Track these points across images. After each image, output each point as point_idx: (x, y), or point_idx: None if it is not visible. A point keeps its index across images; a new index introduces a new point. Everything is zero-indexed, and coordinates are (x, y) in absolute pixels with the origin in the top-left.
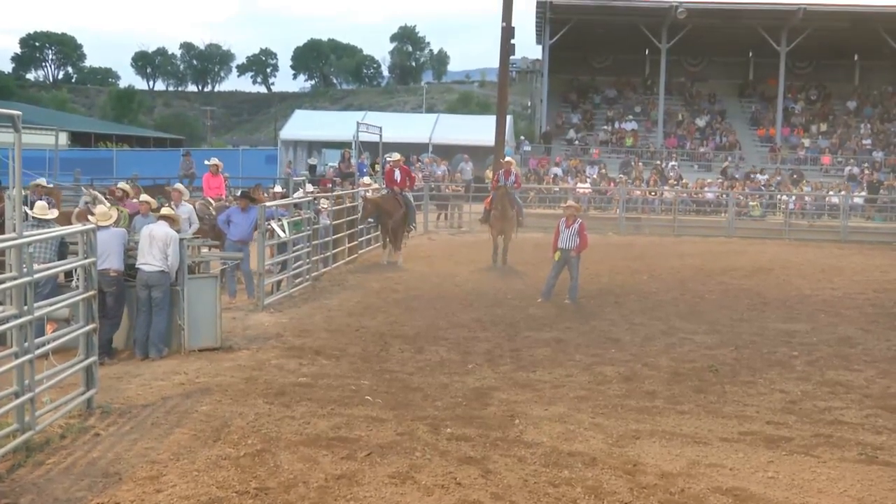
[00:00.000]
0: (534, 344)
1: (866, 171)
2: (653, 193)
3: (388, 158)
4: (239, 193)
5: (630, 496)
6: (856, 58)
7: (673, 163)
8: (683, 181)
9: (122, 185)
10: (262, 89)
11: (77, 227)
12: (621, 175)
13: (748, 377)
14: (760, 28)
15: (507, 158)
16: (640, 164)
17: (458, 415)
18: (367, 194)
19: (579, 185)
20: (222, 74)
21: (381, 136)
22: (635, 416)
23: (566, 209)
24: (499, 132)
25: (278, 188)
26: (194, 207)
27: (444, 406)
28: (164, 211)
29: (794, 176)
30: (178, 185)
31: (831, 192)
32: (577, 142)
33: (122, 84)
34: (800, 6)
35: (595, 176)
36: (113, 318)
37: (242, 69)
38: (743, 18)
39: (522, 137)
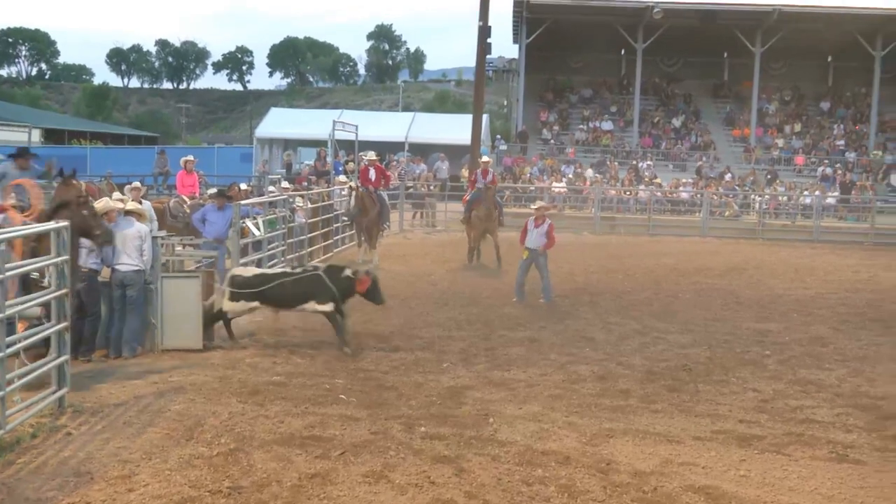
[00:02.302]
0: (508, 343)
1: (839, 172)
2: (628, 193)
3: (363, 157)
4: (215, 191)
5: (603, 494)
6: (829, 59)
7: (648, 162)
8: (658, 181)
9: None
10: (238, 87)
11: (51, 224)
12: (597, 174)
13: (721, 376)
14: (735, 29)
15: (485, 158)
16: (616, 163)
17: (432, 414)
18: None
19: (555, 184)
20: (198, 72)
21: (357, 134)
22: (609, 415)
23: (537, 210)
24: (475, 131)
25: (244, 185)
26: (168, 206)
27: (418, 405)
28: (130, 205)
29: (769, 176)
30: (136, 183)
31: (805, 193)
32: (552, 141)
33: (97, 81)
34: (774, 7)
35: (570, 175)
36: (92, 314)
37: (218, 66)
38: (718, 19)
39: (499, 136)
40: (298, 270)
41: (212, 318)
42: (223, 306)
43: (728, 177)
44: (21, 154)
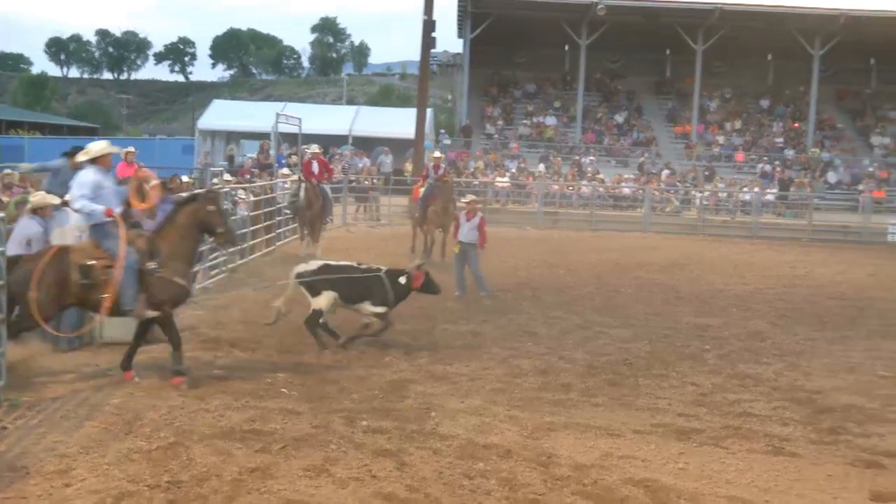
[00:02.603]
0: (451, 337)
1: (778, 169)
2: (571, 188)
3: (306, 150)
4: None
5: (544, 488)
6: (769, 57)
7: (591, 158)
8: (601, 176)
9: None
10: (180, 78)
11: None
12: (540, 170)
13: (661, 370)
14: (678, 27)
15: (437, 154)
16: (559, 158)
17: (374, 407)
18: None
19: (498, 179)
20: (139, 62)
21: (300, 127)
22: (550, 409)
23: (468, 204)
24: (419, 125)
25: (185, 178)
26: None
27: (360, 399)
28: (35, 201)
29: (706, 172)
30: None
31: (744, 189)
32: (496, 136)
33: (35, 70)
34: (716, 6)
35: (514, 170)
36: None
37: (160, 57)
38: (661, 16)
39: (443, 131)
40: (363, 267)
41: (313, 321)
42: (314, 305)
43: (665, 173)
44: (75, 152)
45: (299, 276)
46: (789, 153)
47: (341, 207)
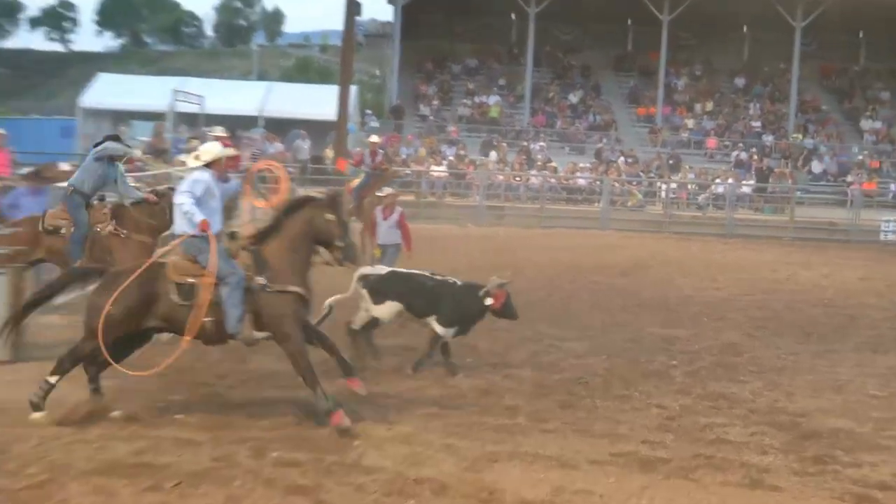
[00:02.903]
0: (378, 351)
1: (755, 157)
2: (518, 179)
3: (209, 133)
4: (29, 171)
5: None
6: (745, 30)
7: (541, 144)
8: (552, 165)
9: None
10: (59, 48)
11: None
12: (482, 157)
13: (621, 390)
14: None
15: (374, 139)
16: (504, 144)
17: (286, 436)
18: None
19: (434, 167)
20: (9, 29)
21: (202, 106)
22: (493, 436)
23: (384, 198)
24: (342, 105)
25: (64, 165)
26: None
27: (270, 426)
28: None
29: (671, 161)
30: None
31: (717, 180)
32: (432, 118)
33: None
34: None
35: (452, 157)
36: None
37: (35, 23)
38: None
39: (369, 112)
40: (437, 277)
41: (364, 329)
42: (374, 312)
43: (625, 161)
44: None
45: (363, 278)
46: (768, 139)
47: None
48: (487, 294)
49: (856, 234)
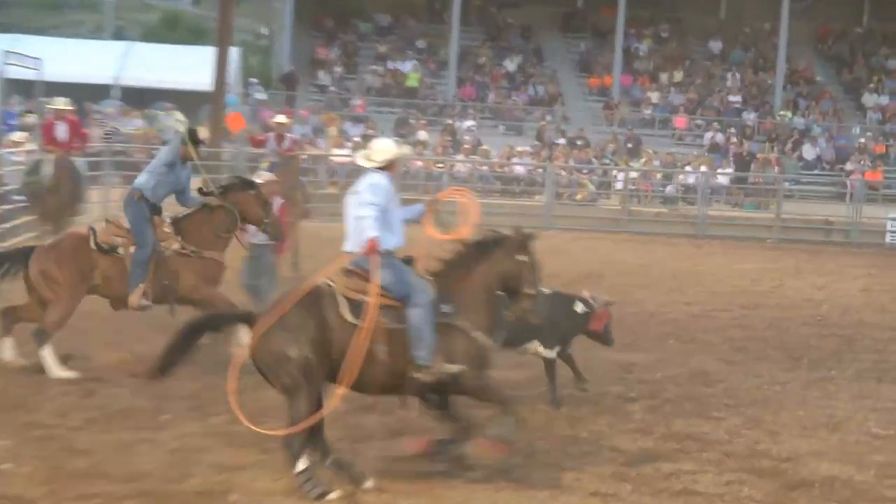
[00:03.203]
0: (262, 383)
1: (734, 140)
2: (440, 165)
3: (49, 106)
4: None
5: None
6: None
7: (470, 122)
8: (484, 148)
9: None
10: None
11: None
12: (396, 138)
13: (567, 429)
14: None
15: (281, 118)
16: (423, 122)
17: (145, 491)
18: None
19: (335, 150)
20: None
21: (40, 72)
22: (406, 487)
23: (263, 186)
24: (219, 71)
25: None
26: None
27: (123, 477)
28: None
29: (629, 144)
30: None
31: (687, 168)
32: (333, 88)
33: None
34: None
35: (358, 138)
36: None
37: None
38: None
39: (254, 80)
40: None
41: None
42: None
43: (571, 143)
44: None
45: None
46: (750, 117)
47: (105, 191)
48: (590, 311)
49: (856, 236)
